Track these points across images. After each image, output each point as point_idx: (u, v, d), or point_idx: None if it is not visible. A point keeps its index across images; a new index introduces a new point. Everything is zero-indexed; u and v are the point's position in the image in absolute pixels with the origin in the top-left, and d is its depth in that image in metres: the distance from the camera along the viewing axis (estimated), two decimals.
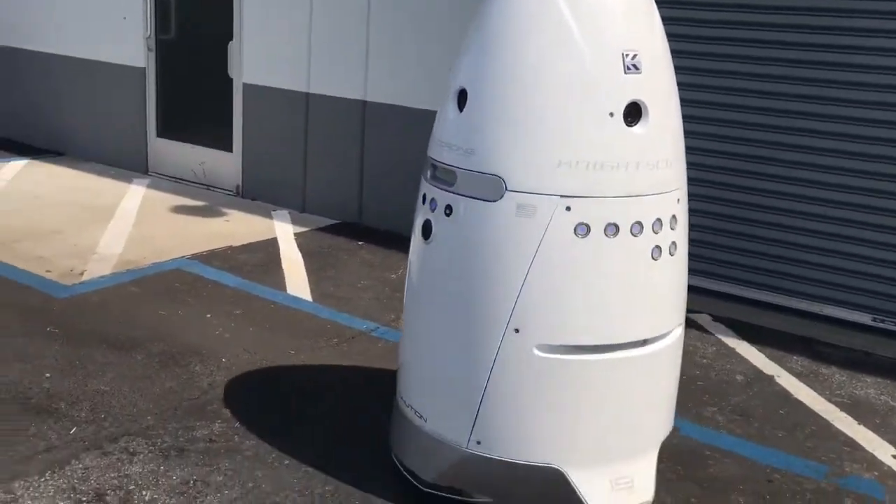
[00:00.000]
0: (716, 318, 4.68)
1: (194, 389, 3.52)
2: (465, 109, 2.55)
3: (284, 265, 5.14)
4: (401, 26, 5.68)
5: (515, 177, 2.44)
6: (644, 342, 2.61)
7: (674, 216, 2.58)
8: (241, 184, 6.70)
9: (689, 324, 4.51)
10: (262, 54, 6.39)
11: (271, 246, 5.49)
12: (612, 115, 2.41)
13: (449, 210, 2.59)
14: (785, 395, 3.82)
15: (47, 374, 3.55)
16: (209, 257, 5.17)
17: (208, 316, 4.29)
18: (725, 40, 4.72)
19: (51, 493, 2.75)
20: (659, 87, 2.52)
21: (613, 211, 2.45)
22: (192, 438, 3.15)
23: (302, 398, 3.50)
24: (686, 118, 2.73)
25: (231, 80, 6.57)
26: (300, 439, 3.17)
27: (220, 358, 3.83)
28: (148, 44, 6.99)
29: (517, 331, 2.51)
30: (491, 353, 2.55)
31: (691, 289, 5.08)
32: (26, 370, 3.57)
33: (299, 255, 5.36)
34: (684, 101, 2.71)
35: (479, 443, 2.63)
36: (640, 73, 2.44)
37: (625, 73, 2.42)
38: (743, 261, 4.94)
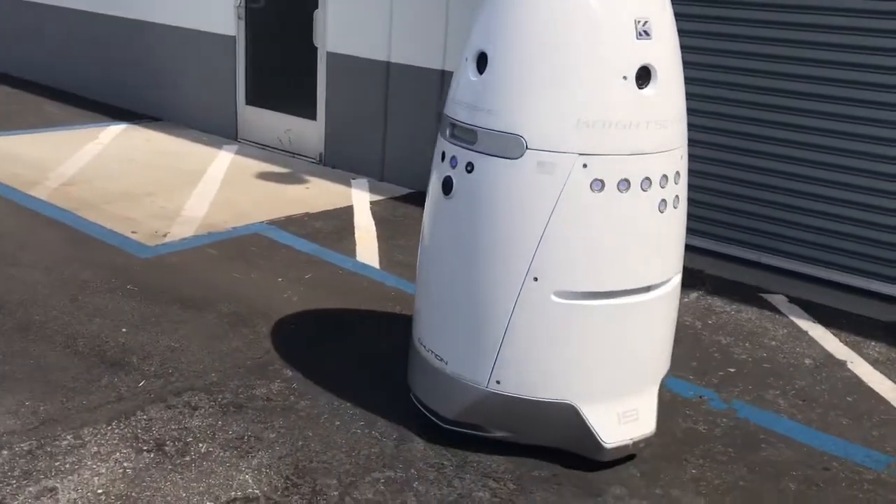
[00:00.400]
0: (791, 300, 4.52)
1: (258, 349, 3.66)
2: (485, 72, 2.70)
3: (357, 233, 5.24)
4: None
5: (536, 136, 2.62)
6: (648, 288, 2.84)
7: (677, 172, 2.80)
8: (323, 152, 6.84)
9: (762, 304, 4.41)
10: (346, 23, 6.47)
11: (346, 214, 5.60)
12: (625, 77, 2.59)
13: (470, 167, 2.76)
14: (856, 382, 3.67)
15: (123, 330, 3.76)
16: (286, 223, 5.32)
17: (279, 280, 4.43)
18: None
19: (115, 441, 2.93)
20: (666, 52, 2.69)
21: (626, 167, 2.65)
22: (252, 396, 3.28)
23: (359, 363, 3.59)
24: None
25: (316, 48, 6.70)
26: (353, 401, 3.26)
27: (286, 320, 3.96)
28: (238, 12, 7.18)
29: (536, 279, 2.72)
30: (511, 300, 2.76)
31: (768, 268, 4.97)
32: (105, 325, 3.78)
33: (372, 223, 5.45)
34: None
35: (498, 382, 2.86)
36: (650, 38, 2.61)
37: (637, 38, 2.59)
38: (823, 241, 4.75)
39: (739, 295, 4.56)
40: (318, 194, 6.02)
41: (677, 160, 2.79)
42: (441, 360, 2.98)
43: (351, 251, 4.90)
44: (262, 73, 7.31)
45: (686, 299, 4.45)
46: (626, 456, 2.96)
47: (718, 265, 4.98)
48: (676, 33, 2.76)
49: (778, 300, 4.51)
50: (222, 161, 6.77)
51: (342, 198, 5.96)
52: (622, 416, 2.92)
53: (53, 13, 9.19)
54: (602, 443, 2.87)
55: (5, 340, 3.58)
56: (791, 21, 4.64)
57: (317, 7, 6.60)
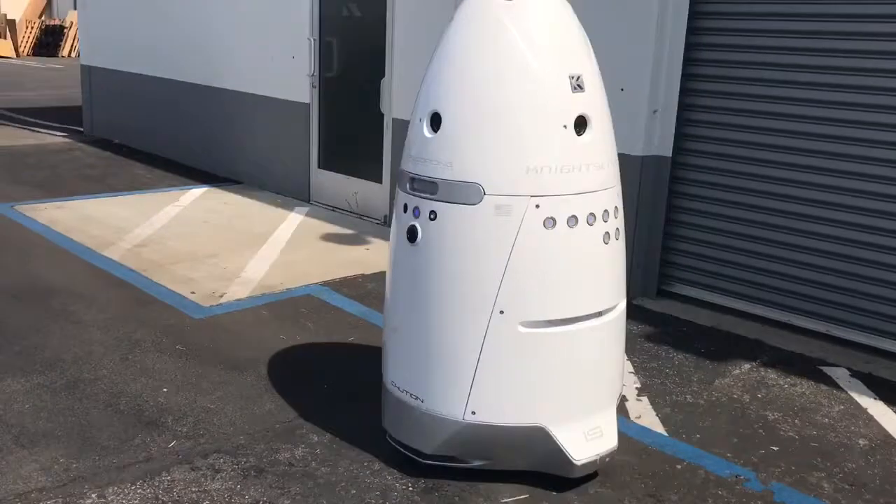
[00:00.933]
0: (854, 374, 4.28)
1: (290, 412, 3.70)
2: (440, 129, 3.03)
3: None
4: None
5: (491, 183, 2.95)
6: (600, 314, 3.14)
7: (616, 207, 3.15)
8: (388, 213, 6.96)
9: (820, 378, 4.19)
10: (409, 91, 6.62)
11: None
12: (565, 126, 2.96)
13: (433, 215, 3.05)
14: None
15: (164, 390, 3.88)
16: (340, 284, 5.41)
17: (323, 341, 4.49)
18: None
19: (136, 501, 3.00)
20: (597, 101, 3.08)
21: (573, 205, 3.00)
22: (274, 461, 3.31)
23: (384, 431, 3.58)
24: None
25: (382, 115, 6.88)
26: (371, 469, 3.25)
27: (323, 383, 4.01)
28: (312, 81, 7.46)
29: (502, 312, 3.01)
30: (480, 334, 3.04)
31: (835, 339, 4.72)
32: (148, 384, 3.91)
33: None
34: None
35: (473, 413, 3.09)
36: (584, 91, 3.00)
37: (572, 91, 2.97)
38: (892, 311, 4.49)
39: (797, 368, 4.34)
40: (377, 255, 6.11)
41: (615, 197, 3.15)
42: (417, 398, 3.19)
43: None
44: (333, 138, 7.54)
45: (737, 371, 4.28)
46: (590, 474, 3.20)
47: (780, 335, 4.77)
48: (601, 82, 3.15)
49: (839, 374, 4.27)
50: (291, 223, 6.98)
51: None
52: (588, 434, 3.17)
53: (146, 82, 9.78)
54: (573, 460, 3.11)
55: (53, 397, 3.75)
56: None
57: (384, 76, 6.79)
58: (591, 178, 3.02)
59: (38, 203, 7.23)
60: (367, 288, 5.38)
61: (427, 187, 3.06)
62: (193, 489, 3.10)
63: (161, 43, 9.53)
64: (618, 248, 3.16)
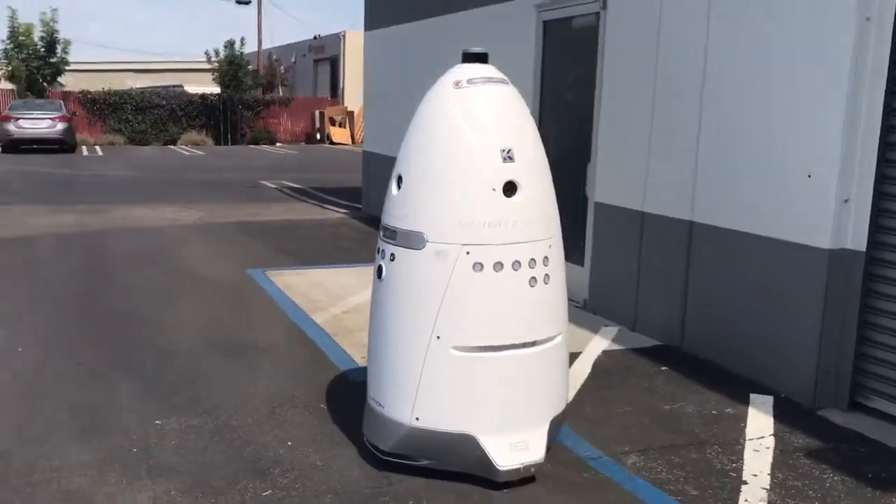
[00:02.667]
0: None
1: (384, 480, 3.82)
2: (401, 188, 3.80)
3: None
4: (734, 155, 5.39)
5: (432, 232, 3.68)
6: (534, 343, 3.77)
7: (546, 257, 3.79)
8: (587, 297, 6.87)
9: None
10: (611, 175, 6.57)
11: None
12: (494, 189, 3.64)
13: (392, 257, 3.83)
14: None
15: (289, 443, 4.20)
16: None
17: None
18: None
19: None
20: (529, 169, 3.74)
21: (499, 254, 3.66)
22: None
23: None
24: None
25: (587, 198, 6.87)
26: None
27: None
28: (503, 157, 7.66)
29: (439, 337, 3.69)
30: (422, 353, 3.72)
31: None
32: (276, 437, 4.26)
33: (588, 371, 5.33)
34: None
35: (417, 419, 3.76)
36: (514, 161, 3.66)
37: (503, 162, 3.65)
38: None
39: None
40: None
41: (545, 248, 3.79)
42: (380, 405, 3.92)
43: None
44: None
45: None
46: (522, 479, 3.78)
47: None
48: (538, 142, 3.85)
49: None
50: None
51: (578, 344, 5.91)
52: (513, 446, 3.77)
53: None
54: (497, 466, 3.72)
55: (197, 438, 4.24)
56: None
57: (589, 160, 6.81)
58: (517, 231, 3.67)
59: (285, 269, 8.18)
60: None
61: (390, 234, 3.84)
62: None
63: None
64: (547, 291, 3.80)
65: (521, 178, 3.67)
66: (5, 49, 31.23)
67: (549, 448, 3.89)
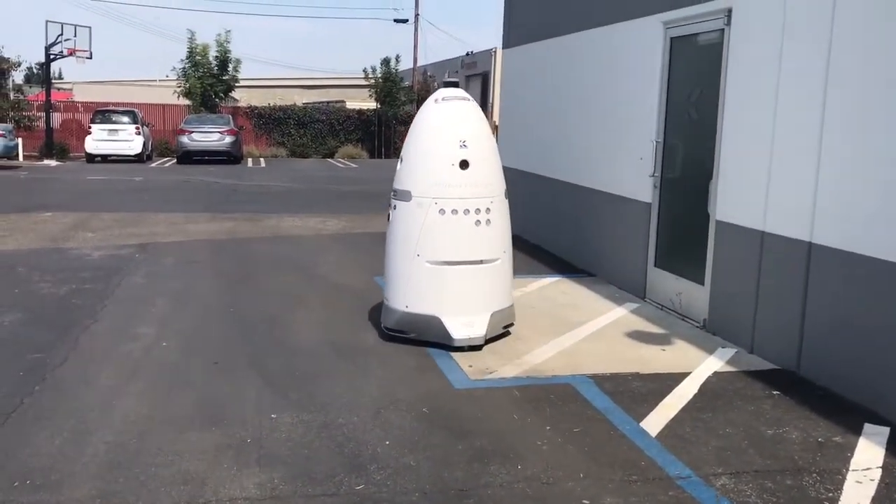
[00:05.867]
0: None
1: (476, 482, 3.98)
2: (402, 165, 6.21)
3: (667, 399, 5.13)
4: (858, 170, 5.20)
5: (415, 190, 6.07)
6: (481, 262, 6.11)
7: (488, 208, 6.07)
8: (707, 317, 6.75)
9: None
10: (732, 193, 6.44)
11: (675, 380, 5.50)
12: (453, 165, 5.97)
13: (395, 206, 6.25)
14: None
15: (387, 443, 4.44)
16: (605, 379, 5.48)
17: (547, 428, 4.67)
18: None
19: None
20: (477, 153, 6.05)
21: (455, 204, 5.99)
22: None
23: None
24: None
25: (708, 216, 6.76)
26: None
27: (517, 464, 4.20)
28: (654, 181, 7.63)
29: (418, 255, 6.05)
30: (409, 266, 6.12)
31: None
32: (378, 436, 4.52)
33: (693, 393, 5.26)
34: None
35: (407, 307, 6.16)
36: (467, 148, 6.00)
37: (459, 147, 5.99)
38: None
39: None
40: (669, 357, 6.01)
41: (488, 202, 6.08)
42: (387, 300, 6.36)
43: (641, 415, 4.86)
44: (666, 237, 7.57)
45: None
46: (471, 346, 6.02)
47: None
48: (491, 142, 6.29)
49: None
50: (611, 316, 7.17)
51: (689, 364, 5.85)
52: (464, 325, 6.04)
53: (533, 179, 10.81)
54: (453, 336, 6.00)
55: (305, 432, 4.56)
56: None
57: (712, 177, 6.71)
58: (467, 191, 6.00)
59: None
60: (631, 387, 5.36)
61: (394, 193, 6.26)
62: None
63: (544, 146, 10.51)
64: (490, 229, 6.09)
65: (471, 158, 5.99)
66: (183, 68, 33.84)
67: (494, 337, 6.26)
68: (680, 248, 7.41)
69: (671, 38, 7.42)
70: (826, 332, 5.44)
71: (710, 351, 6.18)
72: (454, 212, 5.92)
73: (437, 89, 6.73)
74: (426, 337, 6.03)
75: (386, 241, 6.29)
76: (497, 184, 6.15)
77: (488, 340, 6.15)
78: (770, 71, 5.95)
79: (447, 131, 5.99)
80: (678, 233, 7.45)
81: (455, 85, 6.41)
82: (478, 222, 5.97)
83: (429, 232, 5.92)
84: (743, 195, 6.29)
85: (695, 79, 7.15)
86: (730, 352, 6.17)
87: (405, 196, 6.07)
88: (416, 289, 6.03)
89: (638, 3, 8.04)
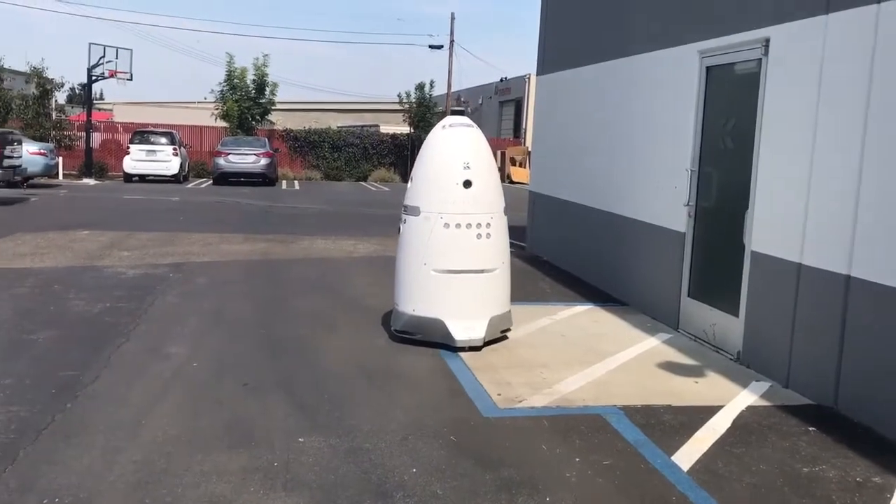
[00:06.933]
0: None
1: None
2: (412, 184, 6.88)
3: (699, 433, 5.04)
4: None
5: (423, 206, 6.75)
6: (482, 271, 6.75)
7: (488, 223, 6.72)
8: (741, 350, 6.63)
9: None
10: (767, 223, 6.35)
11: (707, 413, 5.39)
12: (457, 184, 6.65)
13: (405, 220, 6.89)
14: None
15: (413, 470, 4.41)
16: (637, 411, 5.39)
17: (576, 460, 4.59)
18: None
19: None
20: (479, 174, 6.73)
21: (459, 219, 6.65)
22: None
23: None
24: None
25: (744, 246, 6.66)
26: None
27: (546, 496, 4.14)
28: (689, 211, 7.55)
29: (425, 264, 6.68)
30: (417, 274, 6.76)
31: None
32: (403, 463, 4.48)
33: (726, 427, 5.16)
34: None
35: (414, 310, 6.81)
36: (470, 169, 6.67)
37: (463, 169, 6.67)
38: None
39: None
40: (701, 390, 5.90)
41: (489, 218, 6.72)
42: (397, 304, 7.02)
43: (672, 448, 4.77)
44: (700, 266, 7.48)
45: None
46: (471, 347, 6.69)
47: None
48: (492, 165, 6.98)
49: None
50: (642, 347, 7.08)
51: (722, 397, 5.74)
52: (466, 328, 6.69)
53: (566, 206, 10.77)
54: (455, 338, 6.66)
55: (332, 457, 4.54)
56: None
57: (747, 208, 6.62)
58: (469, 207, 6.66)
59: None
60: (663, 419, 5.27)
61: (405, 209, 6.92)
62: None
63: (577, 173, 10.48)
64: (488, 242, 6.73)
65: (474, 178, 6.67)
66: (221, 90, 34.36)
67: (492, 339, 6.91)
68: (714, 279, 7.31)
69: (707, 67, 7.37)
70: (866, 368, 5.32)
71: (744, 384, 6.07)
72: (458, 225, 6.59)
73: (469, 115, 7.26)
74: (431, 338, 6.68)
75: (397, 252, 6.95)
76: (497, 201, 6.83)
77: (488, 343, 6.85)
78: (809, 100, 5.88)
79: (452, 154, 6.69)
80: (712, 263, 7.35)
81: (461, 113, 7.17)
82: (479, 235, 6.64)
83: (435, 243, 6.60)
84: (779, 226, 6.20)
85: (730, 107, 7.09)
86: (764, 385, 6.05)
87: (414, 211, 6.74)
88: (422, 294, 6.70)
89: (674, 32, 8.02)
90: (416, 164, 6.92)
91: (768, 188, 6.39)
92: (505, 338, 7.08)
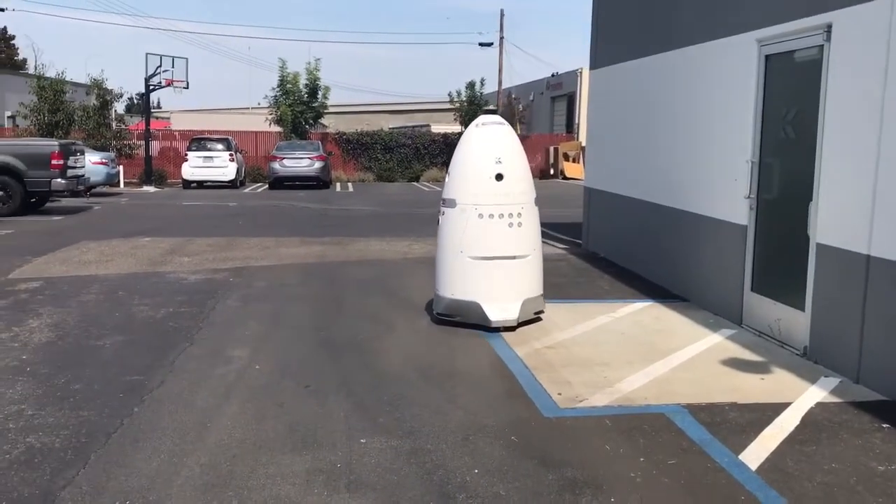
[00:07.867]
0: None
1: None
2: (449, 177, 7.51)
3: (767, 430, 4.91)
4: None
5: (459, 199, 7.35)
6: (514, 257, 7.32)
7: (519, 213, 7.28)
8: (808, 345, 6.45)
9: None
10: (834, 215, 6.16)
11: (775, 410, 5.26)
12: (490, 177, 7.22)
13: (443, 213, 7.52)
14: None
15: (475, 471, 4.39)
16: (701, 409, 5.29)
17: (640, 459, 4.52)
18: None
19: None
20: (510, 167, 7.27)
21: (492, 210, 7.23)
22: None
23: None
24: None
25: (809, 238, 6.48)
26: None
27: (610, 497, 4.08)
28: (750, 203, 7.38)
29: (462, 251, 7.32)
30: (455, 261, 7.39)
31: None
32: (466, 464, 4.46)
33: (795, 425, 5.02)
34: None
35: (453, 295, 7.42)
36: (501, 164, 7.24)
37: (496, 163, 7.24)
38: None
39: None
40: (768, 387, 5.76)
41: (519, 208, 7.26)
42: (437, 290, 7.61)
43: (739, 447, 4.66)
44: (764, 260, 7.30)
45: None
46: (505, 327, 7.25)
47: None
48: (523, 158, 7.51)
49: None
50: (705, 343, 6.94)
51: (790, 394, 5.59)
52: (500, 310, 7.25)
53: (625, 202, 10.63)
54: (490, 319, 7.22)
55: (394, 458, 4.54)
56: None
57: (811, 199, 6.44)
58: (501, 199, 7.18)
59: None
60: (728, 417, 5.16)
61: (444, 202, 7.46)
62: None
63: (633, 167, 10.34)
64: (520, 230, 7.26)
65: (505, 172, 7.17)
66: (275, 96, 34.86)
67: (527, 321, 7.46)
68: (778, 272, 7.13)
69: (766, 56, 7.20)
70: None
71: (813, 380, 5.91)
72: (491, 216, 7.14)
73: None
74: (469, 320, 7.28)
75: (437, 241, 7.54)
76: (528, 192, 7.37)
77: (522, 323, 7.40)
78: (874, 86, 5.69)
79: (486, 150, 7.24)
80: (776, 256, 7.18)
81: (494, 112, 8.12)
82: (511, 224, 7.19)
83: (470, 232, 7.17)
84: (845, 216, 6.01)
85: (791, 96, 6.91)
86: (833, 381, 5.88)
87: (451, 203, 7.32)
88: (460, 280, 7.29)
89: (731, 21, 7.84)
90: (452, 160, 7.47)
91: (833, 178, 6.21)
92: (539, 319, 7.64)
